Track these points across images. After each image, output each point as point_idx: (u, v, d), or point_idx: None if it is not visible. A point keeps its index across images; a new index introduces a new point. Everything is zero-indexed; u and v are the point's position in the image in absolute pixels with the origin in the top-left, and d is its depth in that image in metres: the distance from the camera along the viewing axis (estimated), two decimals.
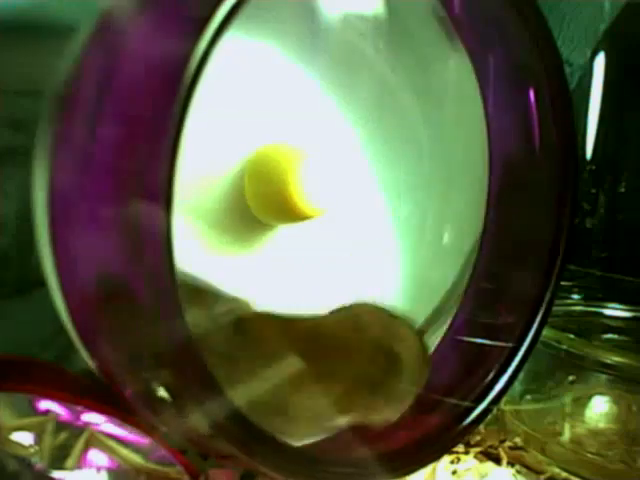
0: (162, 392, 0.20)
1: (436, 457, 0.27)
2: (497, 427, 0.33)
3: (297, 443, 0.25)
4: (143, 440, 0.25)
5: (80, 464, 0.25)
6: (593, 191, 0.44)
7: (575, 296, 0.40)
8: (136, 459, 0.26)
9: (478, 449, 0.31)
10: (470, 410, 0.27)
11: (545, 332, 0.29)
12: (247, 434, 0.21)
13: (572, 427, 0.32)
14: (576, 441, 0.31)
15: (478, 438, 0.32)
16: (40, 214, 0.21)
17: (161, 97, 0.18)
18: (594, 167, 0.44)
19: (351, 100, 0.28)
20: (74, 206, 0.20)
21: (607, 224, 0.44)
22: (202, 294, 0.25)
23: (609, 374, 0.31)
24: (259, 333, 0.24)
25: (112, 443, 0.26)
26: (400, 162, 0.30)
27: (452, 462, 0.30)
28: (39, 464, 0.25)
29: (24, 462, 0.24)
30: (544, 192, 0.29)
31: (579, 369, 0.32)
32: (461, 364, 0.29)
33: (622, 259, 0.44)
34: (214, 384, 0.20)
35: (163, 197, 0.18)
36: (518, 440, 0.32)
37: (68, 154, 0.21)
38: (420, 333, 0.27)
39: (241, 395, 0.22)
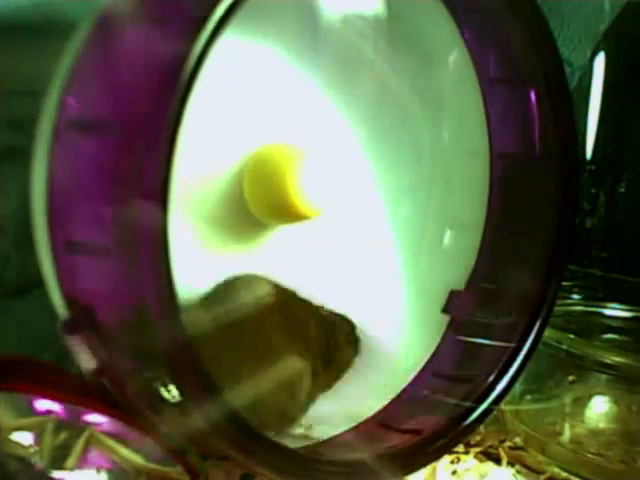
0: (162, 392, 0.20)
1: (436, 457, 0.27)
2: (497, 427, 0.33)
3: (294, 444, 0.25)
4: (143, 440, 0.25)
5: (80, 464, 0.25)
6: (593, 191, 0.44)
7: (575, 296, 0.40)
8: (136, 459, 0.26)
9: (478, 449, 0.31)
10: (471, 410, 0.27)
11: (545, 332, 0.29)
12: (245, 435, 0.21)
13: (572, 427, 0.32)
14: (576, 441, 0.31)
15: (478, 438, 0.32)
16: (39, 214, 0.21)
17: (159, 96, 0.18)
18: (594, 167, 0.44)
19: (351, 100, 0.28)
20: (73, 206, 0.20)
21: (607, 224, 0.44)
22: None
23: (609, 374, 0.31)
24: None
25: (112, 443, 0.26)
26: (400, 162, 0.30)
27: (452, 462, 0.30)
28: (39, 464, 0.25)
29: (24, 462, 0.24)
30: (544, 192, 0.29)
31: (579, 369, 0.32)
32: (462, 364, 0.29)
33: (622, 259, 0.44)
34: (213, 385, 0.20)
35: (161, 196, 0.18)
36: (518, 440, 0.32)
37: (67, 154, 0.21)
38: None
39: (240, 396, 0.22)
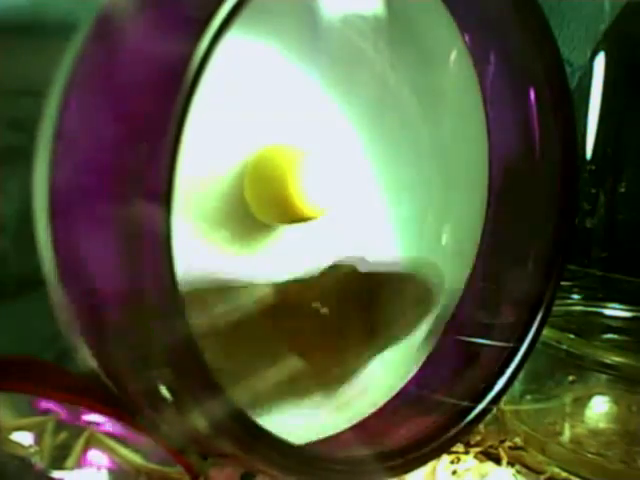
0: (163, 391, 0.20)
1: (435, 456, 0.27)
2: (497, 427, 0.33)
3: (298, 441, 0.25)
4: (143, 440, 0.25)
5: (80, 464, 0.25)
6: (593, 191, 0.44)
7: (575, 296, 0.40)
8: (136, 459, 0.26)
9: (478, 449, 0.31)
10: (469, 410, 0.27)
11: (545, 332, 0.29)
12: (247, 432, 0.21)
13: (572, 427, 0.32)
14: (576, 441, 0.31)
15: (478, 438, 0.32)
16: (40, 214, 0.21)
17: (162, 97, 0.18)
18: (594, 167, 0.44)
19: (352, 100, 0.28)
20: (74, 206, 0.20)
21: (607, 224, 0.44)
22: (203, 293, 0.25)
23: (609, 374, 0.31)
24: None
25: (112, 443, 0.26)
26: (400, 162, 0.30)
27: (452, 462, 0.30)
28: (39, 464, 0.25)
29: (24, 462, 0.24)
30: (544, 192, 0.29)
31: (579, 369, 0.32)
32: (461, 364, 0.30)
33: (622, 259, 0.44)
34: (214, 383, 0.20)
35: (163, 197, 0.18)
36: (518, 440, 0.32)
37: (68, 153, 0.21)
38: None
39: (242, 393, 0.22)
